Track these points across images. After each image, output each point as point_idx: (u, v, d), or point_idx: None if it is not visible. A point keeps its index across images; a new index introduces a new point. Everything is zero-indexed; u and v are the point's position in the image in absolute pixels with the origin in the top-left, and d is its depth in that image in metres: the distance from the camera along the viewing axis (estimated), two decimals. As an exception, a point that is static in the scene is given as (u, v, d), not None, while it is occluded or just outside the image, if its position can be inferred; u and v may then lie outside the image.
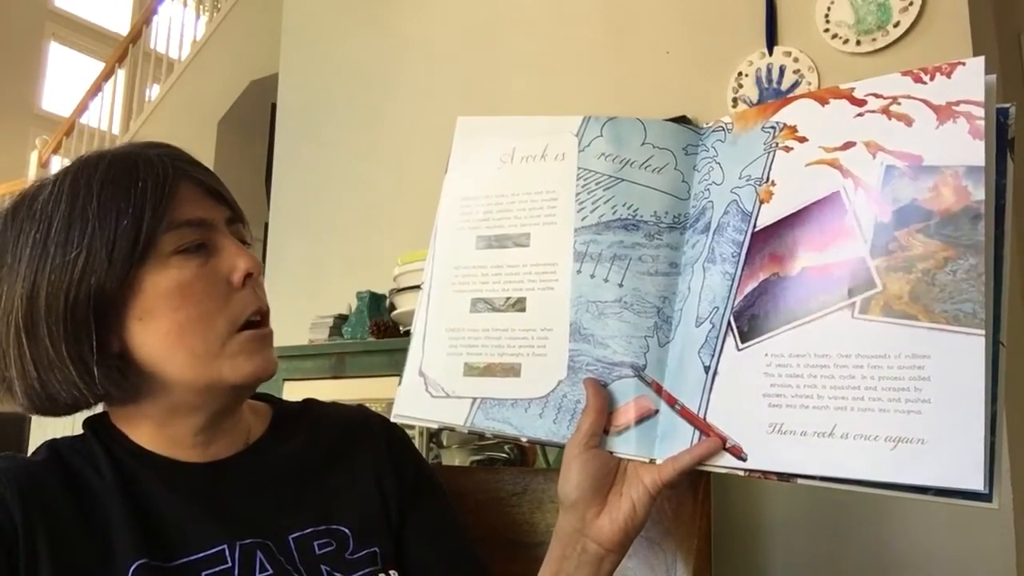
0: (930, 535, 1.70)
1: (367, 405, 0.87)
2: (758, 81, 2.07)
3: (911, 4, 1.88)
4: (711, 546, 0.76)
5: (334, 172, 2.89)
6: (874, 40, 1.92)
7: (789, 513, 1.87)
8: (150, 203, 0.66)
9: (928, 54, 1.85)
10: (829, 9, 1.99)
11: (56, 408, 0.69)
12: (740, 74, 2.09)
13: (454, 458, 1.89)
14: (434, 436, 1.90)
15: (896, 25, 1.89)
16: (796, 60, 2.02)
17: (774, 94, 2.04)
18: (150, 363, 0.68)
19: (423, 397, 0.75)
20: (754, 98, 2.07)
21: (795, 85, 2.02)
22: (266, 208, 3.50)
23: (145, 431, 0.71)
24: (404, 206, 2.58)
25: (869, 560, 1.76)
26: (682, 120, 2.08)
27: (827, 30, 1.99)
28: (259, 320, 0.72)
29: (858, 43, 1.94)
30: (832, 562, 1.81)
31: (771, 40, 2.06)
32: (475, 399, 0.72)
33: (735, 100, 2.09)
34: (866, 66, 1.92)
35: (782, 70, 2.04)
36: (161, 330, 0.67)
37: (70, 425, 0.74)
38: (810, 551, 1.84)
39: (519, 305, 0.73)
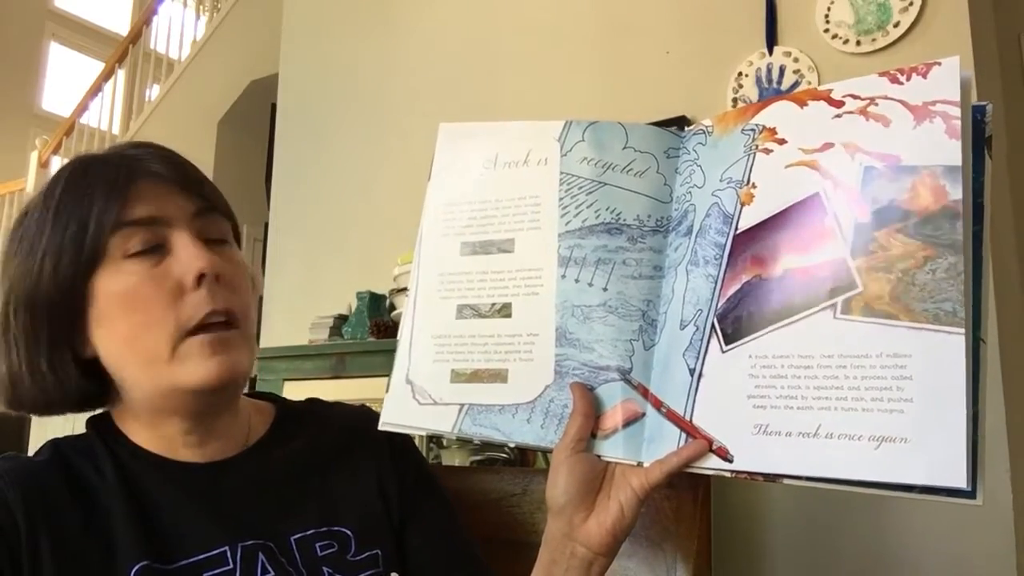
0: (930, 535, 1.70)
1: (368, 405, 0.87)
2: (758, 81, 2.07)
3: (911, 4, 1.87)
4: (711, 547, 0.76)
5: (334, 172, 2.90)
6: (874, 40, 1.92)
7: (789, 513, 1.87)
8: (97, 207, 0.66)
9: (928, 54, 1.83)
10: (829, 9, 1.99)
11: (35, 409, 0.71)
12: (740, 74, 2.09)
13: (454, 458, 1.90)
14: (434, 436, 1.90)
15: (896, 25, 1.89)
16: (796, 60, 2.02)
17: (774, 94, 2.02)
18: (115, 368, 0.69)
19: (410, 405, 0.74)
20: (754, 98, 2.06)
21: (795, 85, 2.02)
22: (266, 208, 3.50)
23: (140, 431, 0.72)
24: (404, 206, 2.57)
25: (869, 561, 1.76)
26: (682, 120, 2.08)
27: (827, 30, 1.99)
28: (222, 321, 0.68)
29: (858, 43, 1.94)
30: (832, 563, 1.81)
31: (771, 40, 2.06)
32: (462, 405, 0.72)
33: (735, 100, 2.09)
34: (866, 66, 1.91)
35: (782, 70, 2.04)
36: (117, 336, 0.67)
37: (70, 425, 0.75)
38: (810, 552, 1.84)
39: (505, 311, 0.73)
